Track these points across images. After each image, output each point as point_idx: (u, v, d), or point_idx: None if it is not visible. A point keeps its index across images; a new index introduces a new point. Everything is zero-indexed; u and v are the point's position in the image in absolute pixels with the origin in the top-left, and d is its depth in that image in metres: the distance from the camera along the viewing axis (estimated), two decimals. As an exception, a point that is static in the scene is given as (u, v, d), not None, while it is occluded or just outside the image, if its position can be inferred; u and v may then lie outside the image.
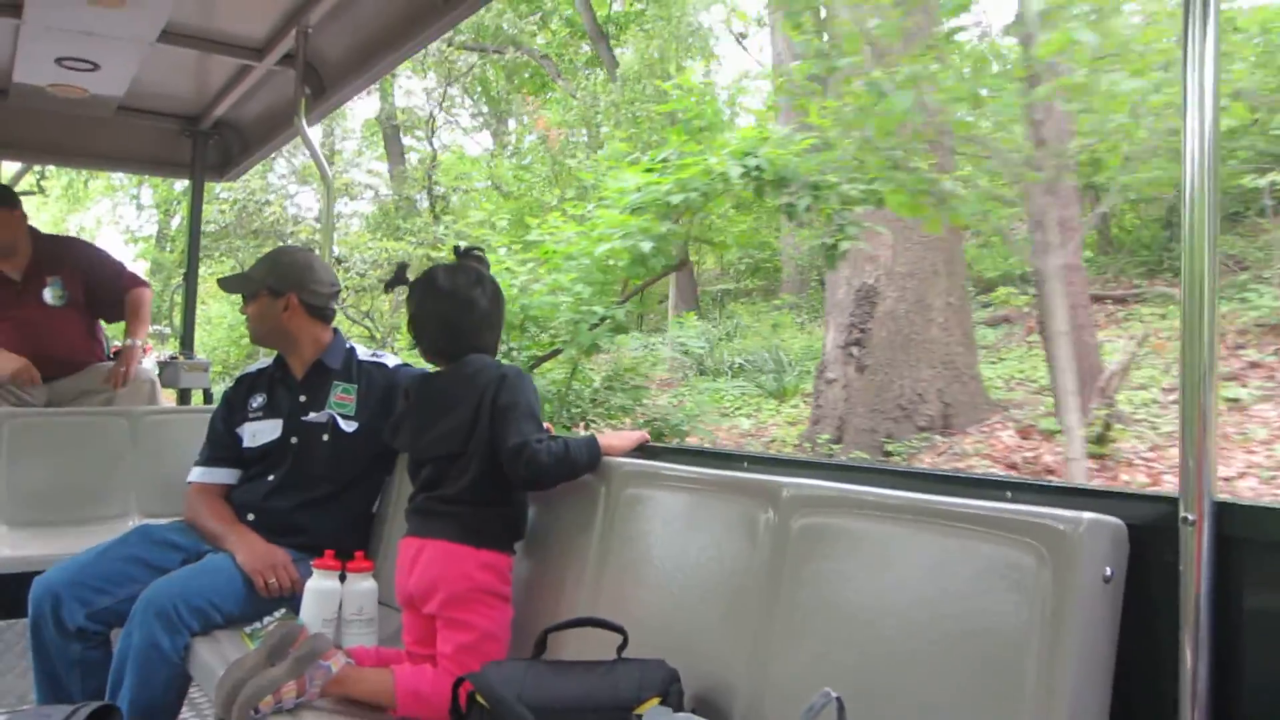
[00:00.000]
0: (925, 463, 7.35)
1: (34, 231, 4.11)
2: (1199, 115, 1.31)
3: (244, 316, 2.95)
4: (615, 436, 2.34)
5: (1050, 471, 6.88)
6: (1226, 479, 5.88)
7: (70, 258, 4.16)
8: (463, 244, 2.41)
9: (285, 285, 2.86)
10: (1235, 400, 7.10)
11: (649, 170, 6.84)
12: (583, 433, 5.43)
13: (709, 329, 13.09)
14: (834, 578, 1.65)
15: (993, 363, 9.43)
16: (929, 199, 5.79)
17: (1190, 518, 1.30)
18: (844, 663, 1.58)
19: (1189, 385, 1.31)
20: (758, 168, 6.33)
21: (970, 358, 8.19)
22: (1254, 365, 7.71)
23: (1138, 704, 1.38)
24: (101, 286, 4.20)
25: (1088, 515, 1.38)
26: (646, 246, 6.48)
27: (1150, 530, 1.39)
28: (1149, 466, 6.50)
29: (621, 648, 1.82)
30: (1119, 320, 9.41)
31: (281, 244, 13.51)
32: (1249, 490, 5.89)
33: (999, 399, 8.34)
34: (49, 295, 4.02)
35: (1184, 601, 1.30)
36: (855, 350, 8.03)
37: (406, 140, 19.56)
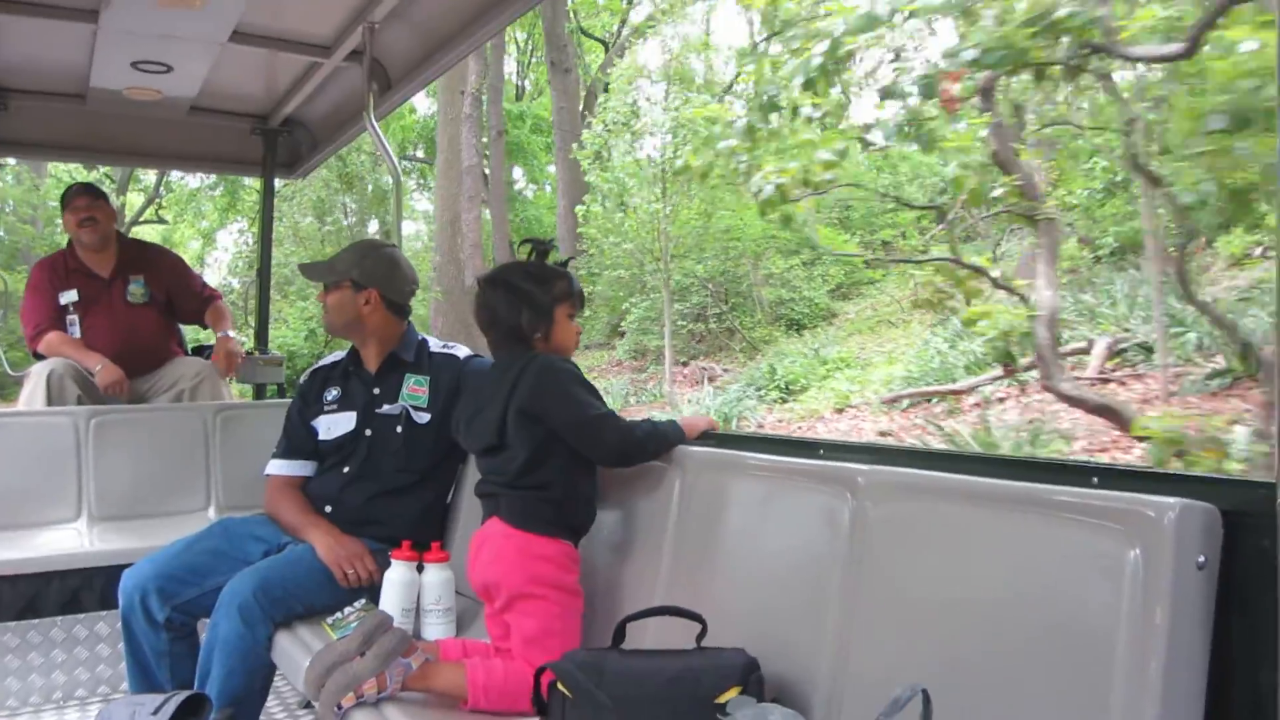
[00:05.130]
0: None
1: (120, 235, 4.36)
2: None
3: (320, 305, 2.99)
4: (687, 421, 2.34)
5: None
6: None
7: (152, 261, 4.41)
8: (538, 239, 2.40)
9: (370, 280, 2.88)
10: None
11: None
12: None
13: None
14: (916, 566, 1.63)
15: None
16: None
17: None
18: (926, 652, 1.56)
19: None
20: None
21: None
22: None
23: (1235, 695, 1.33)
24: (183, 294, 4.44)
25: (1178, 500, 1.33)
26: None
27: (1246, 516, 1.34)
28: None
29: (700, 636, 1.82)
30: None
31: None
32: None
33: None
34: (131, 293, 4.23)
35: None
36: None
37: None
